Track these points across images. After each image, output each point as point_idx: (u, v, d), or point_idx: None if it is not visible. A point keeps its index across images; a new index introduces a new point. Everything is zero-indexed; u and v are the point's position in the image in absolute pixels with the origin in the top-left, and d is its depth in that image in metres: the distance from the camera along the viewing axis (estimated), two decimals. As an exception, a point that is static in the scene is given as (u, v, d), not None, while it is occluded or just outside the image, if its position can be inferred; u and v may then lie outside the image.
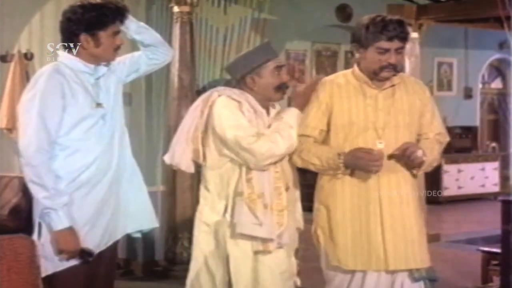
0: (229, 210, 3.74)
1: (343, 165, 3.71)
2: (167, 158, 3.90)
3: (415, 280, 3.79)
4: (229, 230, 3.74)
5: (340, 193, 3.81)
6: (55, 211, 3.54)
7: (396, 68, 3.79)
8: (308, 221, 4.00)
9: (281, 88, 3.82)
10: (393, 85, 3.84)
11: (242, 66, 3.81)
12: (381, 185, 3.76)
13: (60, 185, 3.58)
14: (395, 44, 3.73)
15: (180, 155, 3.82)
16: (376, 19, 3.75)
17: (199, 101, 3.83)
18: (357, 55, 3.83)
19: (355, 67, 3.87)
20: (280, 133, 3.70)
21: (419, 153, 3.70)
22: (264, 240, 3.70)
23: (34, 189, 3.57)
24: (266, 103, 3.84)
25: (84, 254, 3.62)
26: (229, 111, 3.70)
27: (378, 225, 3.75)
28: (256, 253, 3.72)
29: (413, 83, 3.96)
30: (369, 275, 3.79)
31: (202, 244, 3.83)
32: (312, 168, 3.82)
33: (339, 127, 3.80)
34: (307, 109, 3.83)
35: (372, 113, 3.79)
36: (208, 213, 3.81)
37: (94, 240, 3.68)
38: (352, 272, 3.81)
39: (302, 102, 3.83)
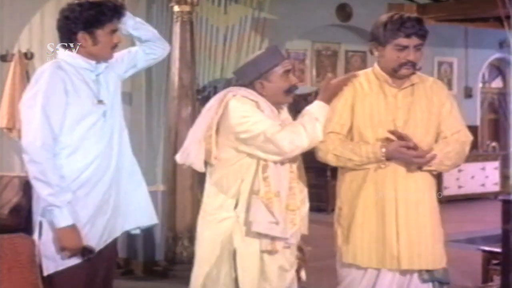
0: (240, 207, 3.73)
1: (385, 158, 3.72)
2: (179, 158, 3.88)
3: (423, 281, 3.79)
4: (238, 226, 3.73)
5: (360, 193, 3.81)
6: (59, 208, 3.53)
7: (415, 66, 3.79)
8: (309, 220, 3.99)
9: (290, 91, 3.82)
10: (412, 84, 3.85)
11: (250, 71, 3.80)
12: (398, 185, 3.76)
13: (63, 183, 3.58)
14: (414, 41, 3.74)
15: (195, 155, 3.81)
16: (394, 17, 3.77)
17: (213, 101, 3.82)
18: (376, 54, 3.85)
19: (376, 66, 3.89)
20: (304, 125, 3.69)
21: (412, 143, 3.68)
22: (273, 239, 3.70)
23: (38, 186, 3.55)
24: (276, 106, 3.84)
25: (85, 251, 3.62)
26: (248, 109, 3.70)
27: (393, 225, 3.75)
28: (262, 252, 3.72)
29: (431, 82, 3.95)
30: (383, 274, 3.79)
31: (206, 242, 3.82)
32: (349, 164, 3.80)
33: (361, 126, 3.81)
34: (333, 106, 3.82)
35: (391, 111, 3.80)
36: (214, 210, 3.80)
37: (94, 239, 3.68)
38: (365, 270, 3.81)
39: (330, 96, 3.80)
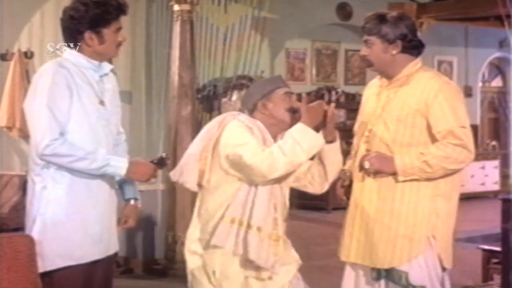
0: (218, 233, 3.69)
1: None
2: (173, 176, 3.89)
3: (372, 278, 3.81)
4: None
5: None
6: (108, 165, 3.56)
7: (368, 61, 3.87)
8: (304, 218, 3.99)
9: (292, 111, 3.80)
10: (400, 83, 3.84)
11: (254, 94, 3.87)
12: (364, 186, 3.84)
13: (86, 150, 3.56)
14: (364, 37, 3.87)
15: (188, 174, 3.81)
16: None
17: (212, 123, 3.84)
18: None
19: None
20: (282, 148, 3.65)
21: (366, 164, 3.77)
22: (258, 268, 3.68)
23: (79, 167, 3.54)
24: (277, 131, 3.85)
25: (160, 163, 3.77)
26: (239, 131, 3.70)
27: (351, 222, 3.86)
28: (247, 277, 3.70)
29: (425, 80, 3.85)
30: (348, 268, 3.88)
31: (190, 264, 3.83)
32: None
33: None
34: None
35: (375, 109, 3.86)
36: (197, 236, 3.80)
37: (92, 247, 3.64)
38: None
39: (312, 118, 3.74)
